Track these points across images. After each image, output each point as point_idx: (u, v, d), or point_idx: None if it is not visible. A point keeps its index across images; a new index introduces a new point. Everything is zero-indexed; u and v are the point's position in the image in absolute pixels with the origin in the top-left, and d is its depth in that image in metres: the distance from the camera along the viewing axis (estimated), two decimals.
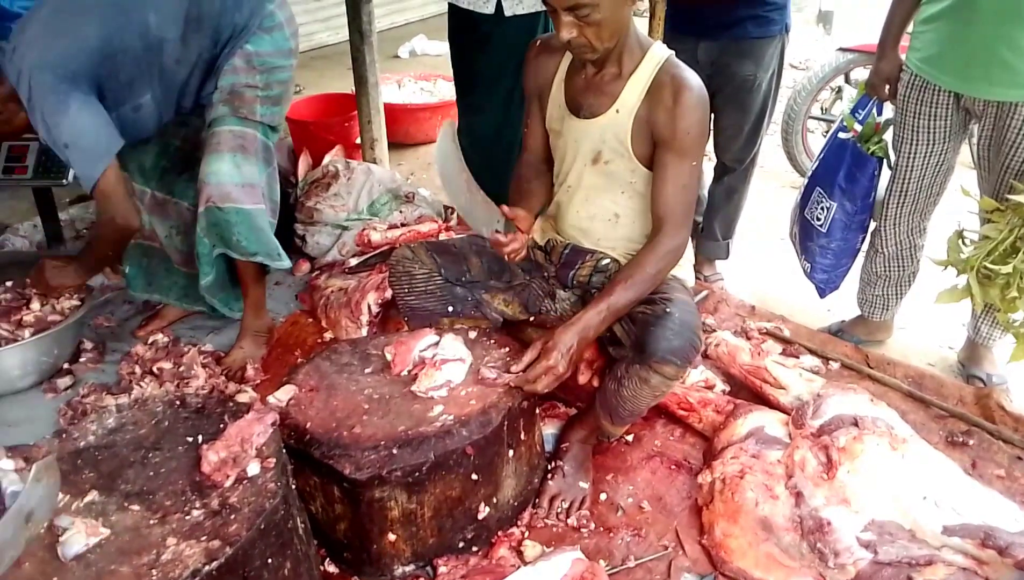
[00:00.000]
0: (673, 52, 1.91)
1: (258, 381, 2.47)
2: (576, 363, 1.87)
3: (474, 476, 1.75)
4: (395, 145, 4.32)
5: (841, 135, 2.68)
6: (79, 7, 2.08)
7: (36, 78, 2.00)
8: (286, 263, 2.46)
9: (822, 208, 2.69)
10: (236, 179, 2.29)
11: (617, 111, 1.89)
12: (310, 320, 2.79)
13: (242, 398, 1.75)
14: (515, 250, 1.97)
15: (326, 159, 3.45)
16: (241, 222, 2.31)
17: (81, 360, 2.56)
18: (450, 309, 2.13)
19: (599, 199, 2.03)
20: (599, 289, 2.04)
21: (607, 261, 2.07)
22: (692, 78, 1.83)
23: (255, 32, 2.29)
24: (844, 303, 2.96)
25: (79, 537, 1.31)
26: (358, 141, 3.90)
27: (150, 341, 2.58)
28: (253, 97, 2.33)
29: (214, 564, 1.28)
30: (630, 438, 2.19)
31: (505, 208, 1.97)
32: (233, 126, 2.31)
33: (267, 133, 2.42)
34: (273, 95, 2.38)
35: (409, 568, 1.79)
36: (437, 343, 1.92)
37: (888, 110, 2.64)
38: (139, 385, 2.37)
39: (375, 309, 2.59)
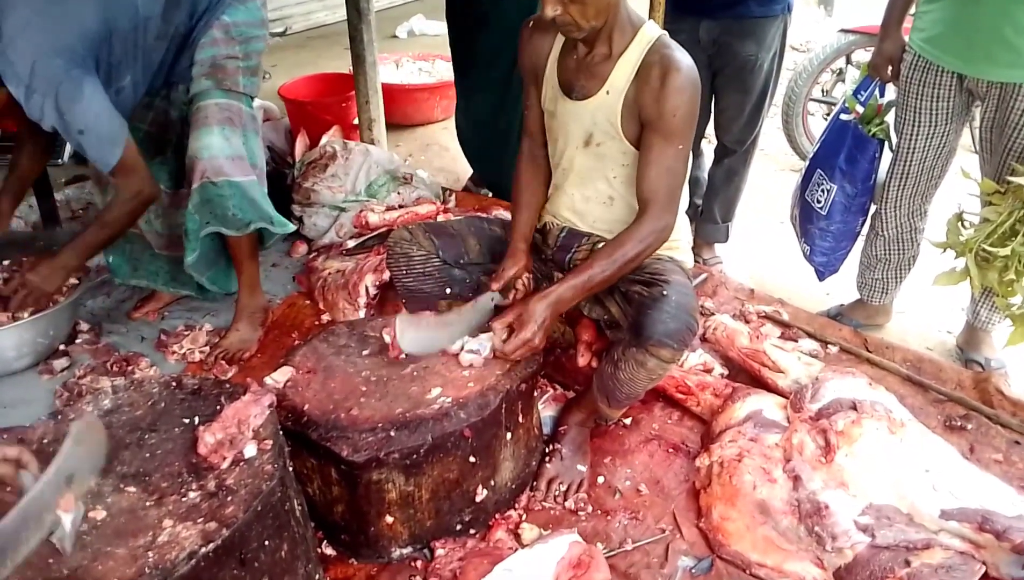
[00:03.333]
0: (665, 32, 1.87)
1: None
2: (548, 334, 1.85)
3: (472, 459, 1.75)
4: (393, 126, 4.29)
5: (842, 117, 2.66)
6: None
7: (45, 64, 1.94)
8: (289, 227, 2.45)
9: (822, 190, 2.68)
10: (227, 152, 2.27)
11: (607, 92, 1.87)
12: (307, 302, 2.78)
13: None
14: (520, 291, 2.06)
15: (323, 140, 3.42)
16: (234, 195, 2.29)
17: (77, 341, 2.55)
18: (448, 291, 2.12)
19: (593, 182, 2.01)
20: (583, 262, 2.02)
21: (603, 245, 2.06)
22: (682, 59, 1.78)
23: (230, 3, 2.28)
24: (843, 287, 2.96)
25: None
26: (356, 122, 3.88)
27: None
28: (235, 68, 2.31)
29: (211, 546, 1.27)
30: (628, 421, 2.19)
31: (494, 285, 2.00)
32: (219, 99, 2.29)
33: (249, 104, 2.40)
34: (252, 65, 2.37)
35: (407, 550, 1.80)
36: None
37: (890, 92, 2.62)
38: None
39: (373, 291, 2.58)
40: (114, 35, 2.07)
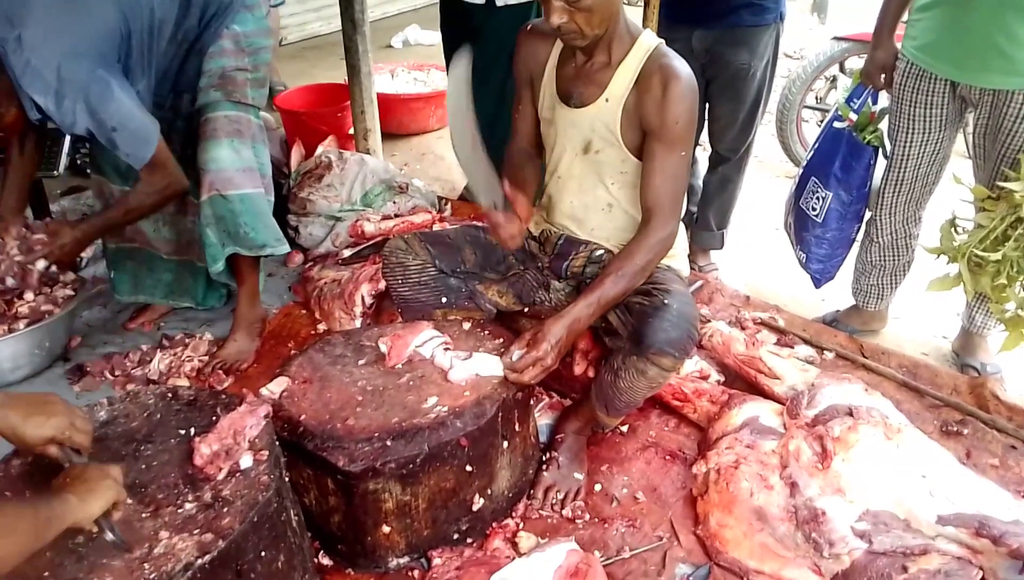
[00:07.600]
0: (663, 40, 1.89)
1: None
2: (563, 354, 1.84)
3: (468, 467, 1.75)
4: (388, 135, 4.30)
5: (836, 124, 2.67)
6: None
7: (71, 66, 1.93)
8: (285, 247, 2.45)
9: (817, 198, 2.68)
10: (236, 164, 2.28)
11: (607, 100, 1.88)
12: (303, 312, 2.78)
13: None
14: (512, 236, 1.93)
15: (319, 150, 3.43)
16: (246, 210, 2.29)
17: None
18: (444, 300, 2.12)
19: (592, 189, 2.02)
20: (593, 280, 2.03)
21: (601, 252, 2.06)
22: (681, 67, 1.82)
23: (239, 10, 2.27)
24: (839, 293, 2.96)
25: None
26: (351, 131, 3.88)
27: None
28: (244, 80, 2.31)
29: (207, 557, 1.27)
30: (625, 429, 2.19)
31: (507, 186, 1.89)
32: (228, 111, 2.29)
33: (257, 115, 2.40)
34: (259, 77, 2.38)
35: (404, 560, 1.79)
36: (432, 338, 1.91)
37: (883, 99, 2.64)
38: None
39: (369, 300, 2.58)
40: (132, 36, 2.06)
